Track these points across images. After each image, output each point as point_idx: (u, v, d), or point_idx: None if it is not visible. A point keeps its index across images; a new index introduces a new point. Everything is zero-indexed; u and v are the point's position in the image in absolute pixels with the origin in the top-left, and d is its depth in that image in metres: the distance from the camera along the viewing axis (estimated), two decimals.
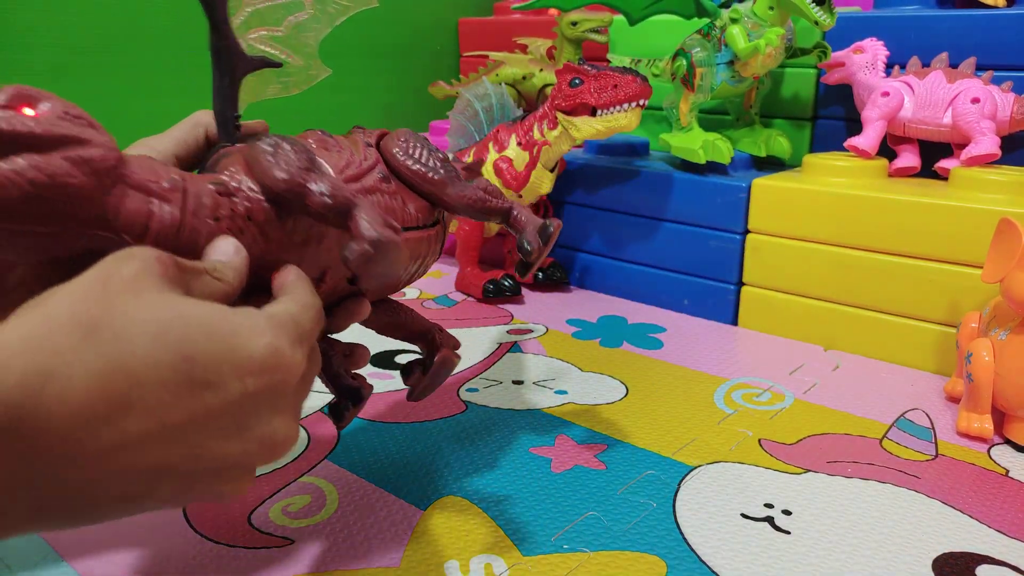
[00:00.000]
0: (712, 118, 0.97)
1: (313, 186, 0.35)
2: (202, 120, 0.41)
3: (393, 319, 0.50)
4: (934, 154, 0.81)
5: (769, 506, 0.50)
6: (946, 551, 0.46)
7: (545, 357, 0.75)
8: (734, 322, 0.84)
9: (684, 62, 0.83)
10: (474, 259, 0.93)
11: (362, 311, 0.42)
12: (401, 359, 0.73)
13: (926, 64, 0.80)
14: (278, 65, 0.41)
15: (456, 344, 0.52)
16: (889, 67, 0.82)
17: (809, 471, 0.54)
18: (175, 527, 0.47)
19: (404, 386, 0.51)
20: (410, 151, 0.44)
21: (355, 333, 0.47)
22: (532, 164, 0.85)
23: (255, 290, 0.35)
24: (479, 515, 0.49)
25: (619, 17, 1.02)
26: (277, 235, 0.36)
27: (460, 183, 0.45)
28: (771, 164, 0.92)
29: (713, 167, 0.85)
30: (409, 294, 0.93)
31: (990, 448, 0.58)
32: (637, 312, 0.88)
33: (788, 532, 0.47)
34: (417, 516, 0.49)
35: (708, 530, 0.47)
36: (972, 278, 0.67)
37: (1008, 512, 0.50)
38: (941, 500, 0.51)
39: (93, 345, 0.23)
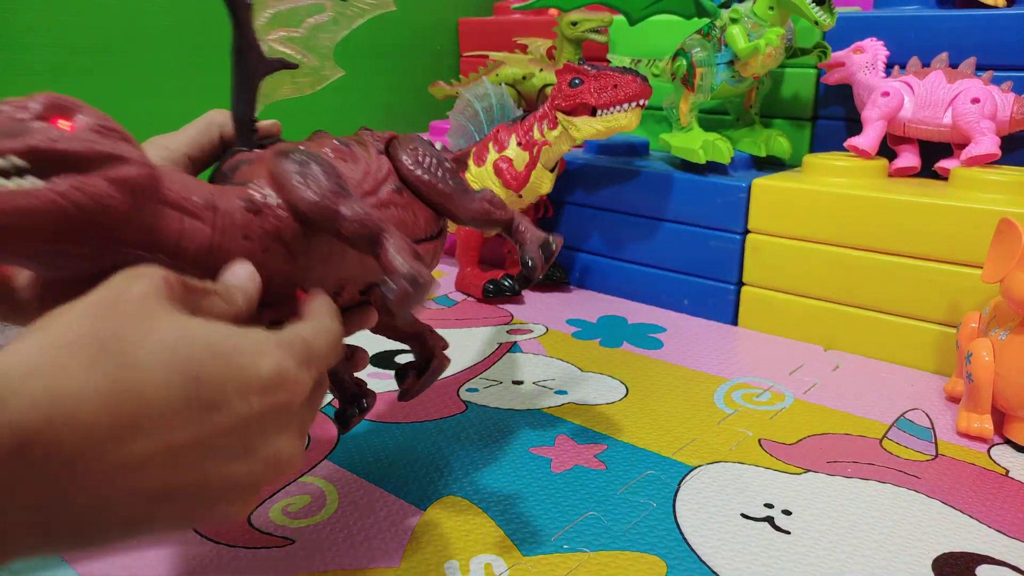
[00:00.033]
0: (712, 118, 0.97)
1: (344, 210, 0.34)
2: (216, 120, 0.41)
3: (388, 320, 0.50)
4: (934, 154, 0.81)
5: (769, 506, 0.50)
6: (946, 551, 0.46)
7: (545, 357, 0.75)
8: (734, 322, 0.84)
9: (684, 62, 0.83)
10: (474, 259, 0.93)
11: (370, 320, 0.43)
12: (401, 359, 0.73)
13: (926, 64, 0.80)
14: (295, 67, 0.41)
15: (445, 345, 0.52)
16: (889, 67, 0.82)
17: (809, 471, 0.54)
18: None
19: (427, 382, 0.52)
20: (420, 160, 0.44)
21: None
22: (532, 164, 0.85)
23: (275, 302, 0.35)
24: (479, 515, 0.49)
25: (619, 17, 1.02)
26: (301, 253, 0.36)
27: (467, 194, 0.45)
28: (771, 164, 0.92)
29: (713, 167, 0.85)
30: None
31: (990, 448, 0.58)
32: (637, 312, 0.88)
33: (788, 532, 0.47)
34: (417, 516, 0.49)
35: (708, 530, 0.47)
36: (972, 278, 0.67)
37: (1008, 512, 0.50)
38: (941, 500, 0.51)
39: (102, 366, 0.23)
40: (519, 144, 0.85)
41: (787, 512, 0.49)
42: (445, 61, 1.40)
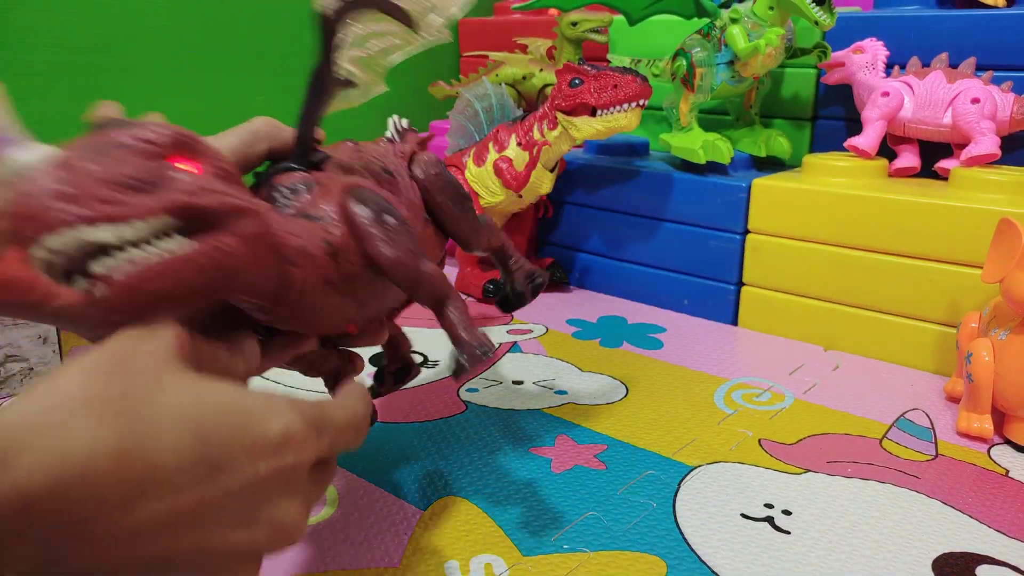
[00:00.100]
0: (712, 118, 0.97)
1: (424, 274, 0.36)
2: (262, 130, 0.39)
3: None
4: (934, 154, 0.81)
5: (769, 506, 0.50)
6: (946, 551, 0.46)
7: (545, 357, 0.75)
8: (734, 322, 0.84)
9: (684, 62, 0.83)
10: (474, 259, 0.93)
11: (383, 338, 0.44)
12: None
13: (926, 64, 0.80)
14: (356, 85, 0.41)
15: (410, 347, 0.54)
16: (889, 67, 0.82)
17: (809, 471, 0.54)
18: None
19: (401, 387, 0.52)
20: (442, 187, 0.45)
21: None
22: (532, 164, 0.85)
23: (328, 336, 0.36)
24: (479, 515, 0.49)
25: (619, 17, 1.02)
26: (366, 293, 0.37)
27: (474, 220, 0.47)
28: (771, 164, 0.92)
29: (713, 167, 0.85)
30: None
31: (990, 448, 0.58)
32: (637, 312, 0.88)
33: (788, 532, 0.47)
34: (417, 516, 0.49)
35: (708, 530, 0.47)
36: (972, 278, 0.67)
37: (1008, 512, 0.50)
38: (941, 500, 0.51)
39: (111, 425, 0.22)
40: (519, 144, 0.85)
41: (787, 512, 0.49)
42: (445, 61, 1.39)
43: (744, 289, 0.83)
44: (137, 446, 0.23)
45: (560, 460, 0.56)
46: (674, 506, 0.50)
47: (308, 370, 0.44)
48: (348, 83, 0.40)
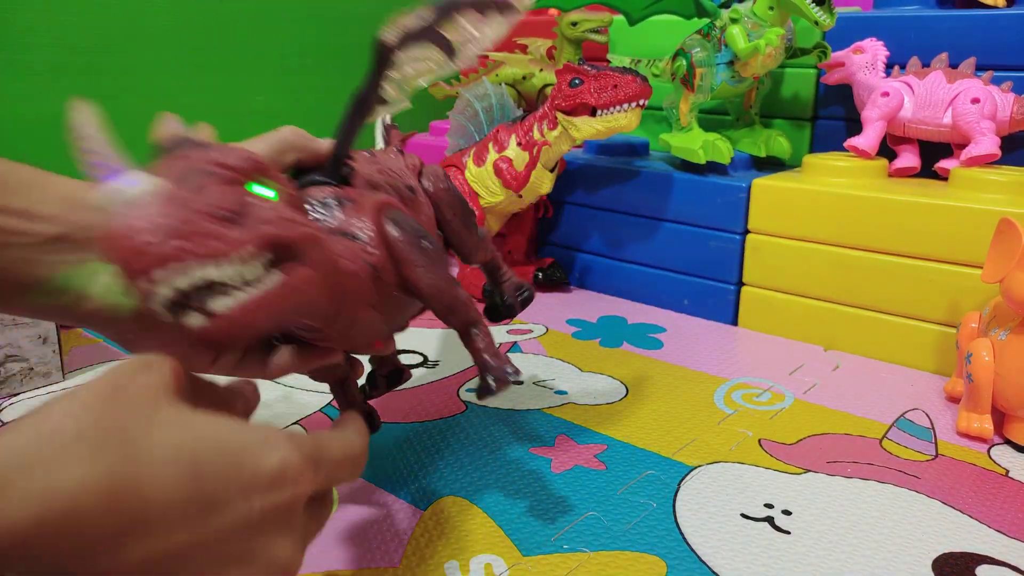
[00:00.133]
0: (712, 118, 0.97)
1: (458, 301, 0.38)
2: (291, 140, 0.39)
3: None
4: (934, 154, 0.81)
5: (769, 506, 0.50)
6: (946, 551, 0.46)
7: (545, 357, 0.75)
8: (734, 322, 0.84)
9: (684, 62, 0.83)
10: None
11: (392, 348, 0.44)
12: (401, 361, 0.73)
13: (926, 64, 0.80)
14: (387, 103, 0.42)
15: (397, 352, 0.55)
16: (889, 67, 0.82)
17: (809, 471, 0.54)
18: None
19: (401, 388, 0.52)
20: (450, 202, 0.45)
21: None
22: (532, 164, 0.85)
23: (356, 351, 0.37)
24: (479, 515, 0.49)
25: (619, 17, 1.02)
26: (391, 312, 0.38)
27: (476, 235, 0.48)
28: (771, 164, 0.92)
29: (713, 167, 0.85)
30: None
31: (990, 448, 0.58)
32: (637, 312, 0.88)
33: (788, 532, 0.47)
34: (417, 516, 0.49)
35: (708, 530, 0.47)
36: (972, 278, 0.67)
37: (1008, 512, 0.50)
38: (941, 500, 0.51)
39: (103, 460, 0.22)
40: (519, 144, 0.85)
41: (787, 512, 0.49)
42: None
43: (744, 289, 0.83)
44: (129, 481, 0.22)
45: (560, 460, 0.56)
46: (674, 506, 0.50)
47: (316, 374, 0.45)
48: (383, 102, 0.41)
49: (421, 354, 0.75)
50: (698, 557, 0.45)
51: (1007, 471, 0.55)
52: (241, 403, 0.30)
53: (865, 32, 0.85)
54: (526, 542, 0.46)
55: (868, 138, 0.80)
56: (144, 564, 0.22)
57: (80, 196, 0.31)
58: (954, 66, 0.79)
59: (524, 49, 1.16)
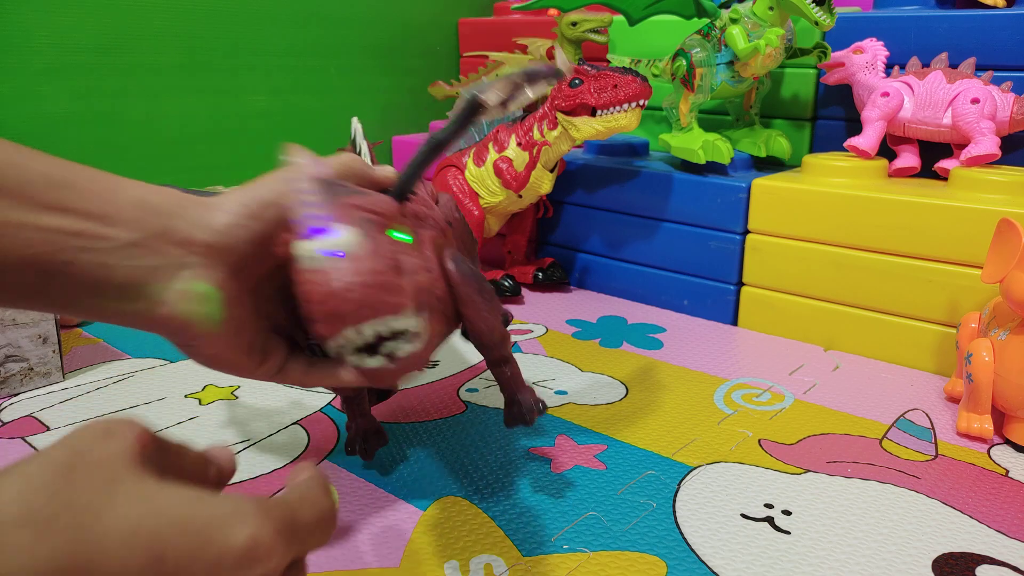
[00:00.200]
0: (712, 118, 0.97)
1: (507, 334, 0.42)
2: (350, 166, 0.38)
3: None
4: (934, 154, 0.81)
5: (769, 506, 0.50)
6: (946, 551, 0.46)
7: (545, 357, 0.75)
8: (734, 322, 0.84)
9: (684, 62, 0.83)
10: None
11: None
12: None
13: (926, 64, 0.80)
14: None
15: None
16: (889, 67, 0.82)
17: (809, 471, 0.54)
18: None
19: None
20: (460, 232, 0.47)
21: None
22: (532, 164, 0.85)
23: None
24: (479, 515, 0.49)
25: (619, 17, 1.02)
26: (436, 341, 0.39)
27: (477, 264, 0.50)
28: (771, 164, 0.92)
29: (713, 167, 0.85)
30: None
31: (990, 448, 0.58)
32: (637, 312, 0.88)
33: (788, 532, 0.47)
34: (417, 516, 0.49)
35: (708, 530, 0.47)
36: (972, 278, 0.67)
37: (1008, 512, 0.50)
38: (941, 500, 0.51)
39: (51, 541, 0.20)
40: (519, 144, 0.85)
41: (787, 512, 0.49)
42: (444, 61, 1.39)
43: (744, 289, 0.83)
44: (80, 567, 0.20)
45: (560, 460, 0.56)
46: (674, 506, 0.50)
47: (338, 388, 0.46)
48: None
49: None
50: (698, 557, 0.45)
51: (1007, 471, 0.55)
52: (214, 471, 0.28)
53: (865, 32, 0.85)
54: (526, 542, 0.46)
55: (868, 138, 0.80)
56: None
57: (150, 200, 0.31)
58: (954, 66, 0.79)
59: (524, 49, 1.16)
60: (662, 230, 0.88)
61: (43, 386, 0.68)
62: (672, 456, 0.56)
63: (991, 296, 0.64)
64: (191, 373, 0.71)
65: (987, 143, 0.74)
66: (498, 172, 0.86)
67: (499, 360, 0.44)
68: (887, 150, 0.83)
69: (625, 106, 0.78)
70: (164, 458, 0.25)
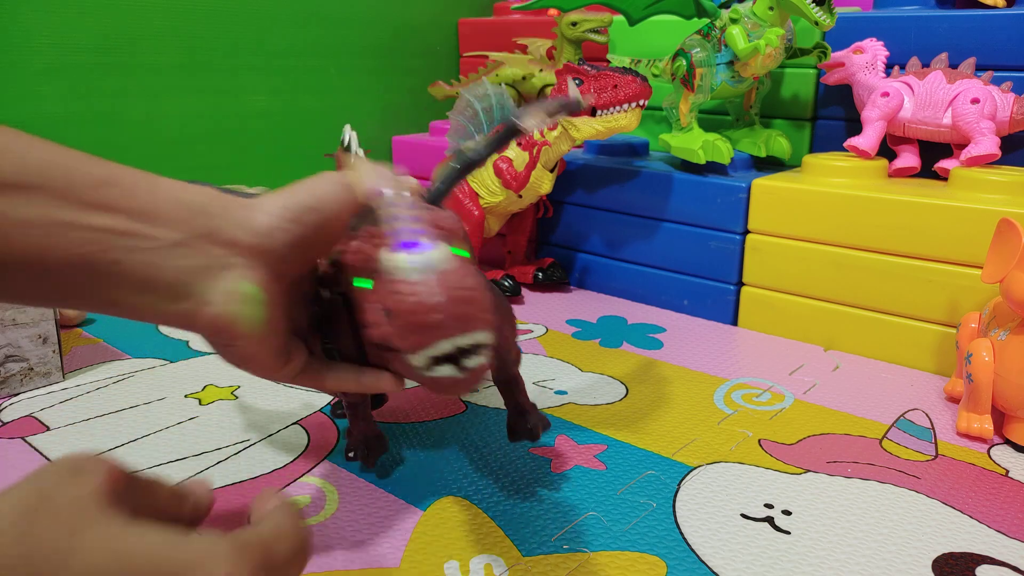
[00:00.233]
0: (712, 118, 0.97)
1: (519, 350, 0.44)
2: (410, 182, 0.38)
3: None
4: (934, 154, 0.81)
5: (769, 506, 0.50)
6: (946, 551, 0.46)
7: (545, 357, 0.75)
8: (734, 322, 0.84)
9: (684, 62, 0.83)
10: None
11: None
12: None
13: (926, 64, 0.80)
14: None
15: None
16: (889, 67, 0.82)
17: (809, 471, 0.54)
18: None
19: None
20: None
21: None
22: (532, 164, 0.85)
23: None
24: (479, 515, 0.49)
25: (619, 17, 1.02)
26: None
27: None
28: (771, 164, 0.92)
29: (713, 167, 0.85)
30: None
31: (990, 448, 0.58)
32: (637, 312, 0.88)
33: (788, 532, 0.47)
34: (417, 516, 0.49)
35: (708, 530, 0.47)
36: (972, 278, 0.67)
37: (1008, 512, 0.50)
38: (941, 500, 0.51)
39: None
40: (519, 144, 0.85)
41: (787, 512, 0.49)
42: (445, 61, 1.39)
43: (744, 289, 0.83)
44: None
45: (560, 460, 0.56)
46: (674, 506, 0.50)
47: (344, 394, 0.48)
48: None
49: None
50: (698, 557, 0.45)
51: (1007, 471, 0.55)
52: (190, 506, 0.27)
53: (865, 32, 0.85)
54: (526, 542, 0.46)
55: (868, 138, 0.80)
56: None
57: (192, 199, 0.31)
58: (954, 66, 0.79)
59: (524, 49, 1.16)
60: (662, 230, 0.88)
61: (43, 386, 0.68)
62: (672, 456, 0.56)
63: (991, 296, 0.64)
64: (191, 373, 0.71)
65: (987, 143, 0.74)
66: (498, 172, 0.86)
67: (509, 379, 0.45)
68: (887, 150, 0.83)
69: (625, 106, 0.78)
70: (136, 496, 0.25)
